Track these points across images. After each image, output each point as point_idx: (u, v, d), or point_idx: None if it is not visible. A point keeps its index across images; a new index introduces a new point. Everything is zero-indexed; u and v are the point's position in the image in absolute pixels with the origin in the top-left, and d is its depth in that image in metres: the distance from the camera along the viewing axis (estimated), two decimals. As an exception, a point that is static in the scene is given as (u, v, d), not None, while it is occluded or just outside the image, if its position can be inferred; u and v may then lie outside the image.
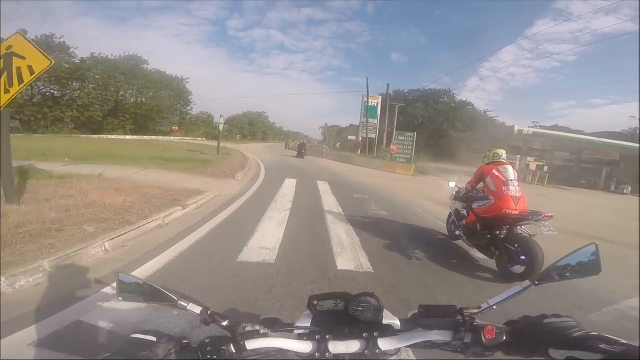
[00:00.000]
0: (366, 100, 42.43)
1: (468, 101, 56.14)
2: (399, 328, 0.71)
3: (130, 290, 0.73)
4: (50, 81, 35.54)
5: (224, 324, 0.69)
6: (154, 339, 0.62)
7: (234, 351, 0.66)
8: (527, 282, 0.70)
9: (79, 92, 37.49)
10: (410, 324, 0.71)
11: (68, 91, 36.89)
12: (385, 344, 0.68)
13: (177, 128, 41.94)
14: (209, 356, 0.65)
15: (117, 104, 41.84)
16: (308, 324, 0.72)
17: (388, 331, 0.70)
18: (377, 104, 43.18)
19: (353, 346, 0.68)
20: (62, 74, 35.16)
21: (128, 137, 36.49)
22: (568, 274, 0.68)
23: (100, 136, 33.17)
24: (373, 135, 42.67)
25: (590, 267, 0.69)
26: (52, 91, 36.70)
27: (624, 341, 0.50)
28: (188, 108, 50.37)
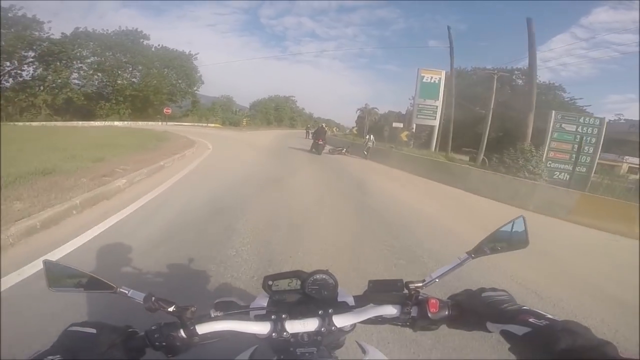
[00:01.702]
0: (422, 75, 31.45)
1: (556, 84, 42.53)
2: (353, 304, 0.74)
3: (61, 278, 0.67)
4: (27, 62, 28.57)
5: (170, 309, 0.66)
6: (93, 330, 0.59)
7: (185, 336, 0.65)
8: (465, 255, 0.72)
9: (52, 73, 29.81)
10: (363, 300, 0.73)
11: (38, 72, 29.42)
12: (339, 321, 0.69)
13: (169, 111, 33.55)
14: (157, 343, 0.63)
15: (112, 85, 34.19)
16: (264, 305, 0.74)
17: (342, 308, 0.72)
18: (439, 80, 31.94)
19: (309, 324, 0.68)
20: (45, 51, 28.14)
21: (117, 123, 28.43)
22: (500, 247, 0.72)
23: (80, 123, 25.42)
24: (432, 122, 31.68)
25: (520, 240, 0.72)
26: (20, 72, 29.53)
27: (549, 315, 0.54)
28: (195, 88, 41.40)
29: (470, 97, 38.28)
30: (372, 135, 17.46)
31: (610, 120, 23.45)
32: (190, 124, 36.21)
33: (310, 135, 33.23)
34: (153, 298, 0.66)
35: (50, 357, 0.53)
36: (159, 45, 39.39)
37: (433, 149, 30.08)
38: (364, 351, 0.87)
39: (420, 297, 0.69)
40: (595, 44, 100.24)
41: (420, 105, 30.96)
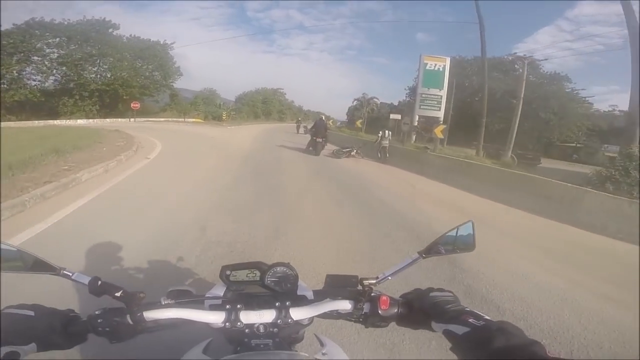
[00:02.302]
0: (426, 62, 28.35)
1: (563, 74, 39.83)
2: (312, 298, 0.74)
3: (3, 260, 0.63)
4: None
5: (117, 294, 0.64)
6: (31, 313, 0.57)
7: (131, 322, 0.63)
8: (415, 255, 0.74)
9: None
10: (322, 294, 0.73)
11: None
12: (296, 313, 0.68)
13: (137, 105, 29.54)
14: (100, 328, 0.61)
15: (75, 80, 30.15)
16: (220, 294, 0.73)
17: (301, 301, 0.72)
18: (444, 68, 28.86)
19: (265, 315, 0.68)
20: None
21: (81, 121, 24.61)
22: (449, 249, 0.75)
23: (37, 122, 21.75)
24: (436, 114, 28.72)
25: (468, 244, 0.75)
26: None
27: (487, 317, 0.56)
28: (171, 80, 37.24)
29: (472, 87, 35.40)
30: (388, 131, 13.24)
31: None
32: (166, 119, 32.55)
33: (302, 129, 28.63)
34: (99, 282, 0.64)
35: None
36: (131, 35, 35.21)
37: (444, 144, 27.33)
38: (321, 344, 0.85)
39: (373, 294, 0.69)
40: (580, 36, 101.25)
41: (423, 95, 28.01)
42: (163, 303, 0.67)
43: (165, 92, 37.92)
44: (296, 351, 0.75)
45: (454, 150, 21.57)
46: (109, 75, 32.91)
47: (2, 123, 18.84)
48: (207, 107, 45.05)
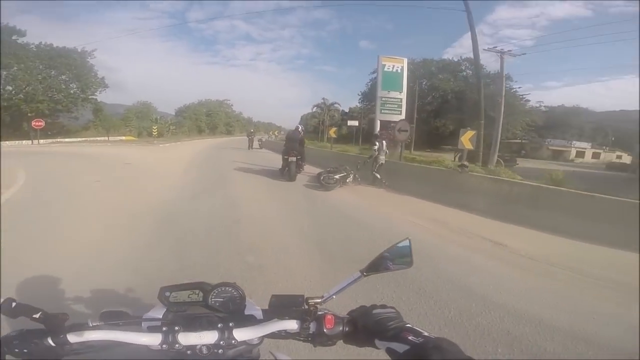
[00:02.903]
0: (384, 63, 27.06)
1: (507, 74, 41.58)
2: (261, 318, 0.72)
3: None
4: None
5: (35, 316, 0.61)
6: None
7: (53, 344, 0.60)
8: (357, 273, 0.74)
9: None
10: (270, 314, 0.71)
11: None
12: (240, 334, 0.67)
13: (41, 123, 23.48)
14: (17, 350, 0.59)
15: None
16: (159, 316, 0.70)
17: (247, 321, 0.70)
18: (402, 69, 27.80)
19: (206, 337, 0.65)
20: None
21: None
22: (389, 266, 0.75)
23: None
24: (397, 117, 27.47)
25: (405, 260, 0.76)
26: None
27: (426, 333, 0.56)
28: (91, 93, 31.38)
29: (422, 89, 35.23)
30: (384, 142, 9.41)
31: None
32: (84, 139, 26.96)
33: (257, 143, 25.66)
34: (14, 304, 0.62)
35: None
36: (41, 43, 28.97)
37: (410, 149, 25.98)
38: None
39: (319, 313, 0.68)
40: (498, 40, 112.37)
41: (383, 99, 26.54)
42: (90, 325, 0.64)
43: (86, 106, 32.03)
44: None
45: (425, 155, 20.06)
46: (10, 89, 26.70)
47: None
48: (141, 122, 39.74)
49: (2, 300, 0.61)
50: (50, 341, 0.60)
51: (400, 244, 0.77)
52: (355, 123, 34.73)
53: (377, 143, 9.32)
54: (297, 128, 10.22)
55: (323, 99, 50.97)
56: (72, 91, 29.83)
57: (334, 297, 0.72)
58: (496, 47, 19.82)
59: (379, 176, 9.05)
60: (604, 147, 45.54)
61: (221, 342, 0.65)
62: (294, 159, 9.12)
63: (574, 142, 43.50)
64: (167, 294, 0.68)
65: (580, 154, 43.37)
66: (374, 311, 0.66)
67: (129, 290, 2.37)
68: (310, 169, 10.36)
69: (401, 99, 26.94)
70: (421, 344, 0.54)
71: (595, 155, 43.23)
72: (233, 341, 0.66)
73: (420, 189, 8.06)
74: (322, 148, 20.35)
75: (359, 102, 49.50)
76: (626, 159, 36.00)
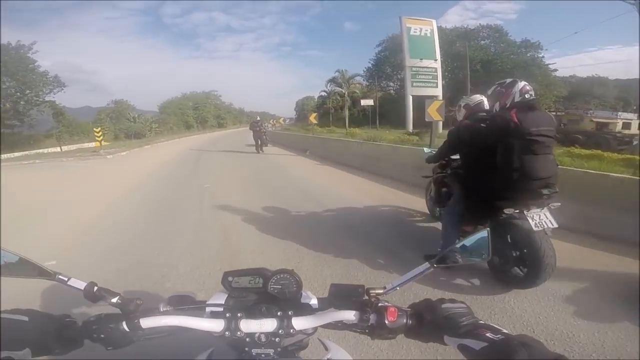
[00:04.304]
0: (409, 26, 21.32)
1: (533, 40, 35.77)
2: (317, 307, 0.71)
3: (1, 263, 0.62)
4: None
5: (113, 300, 0.63)
6: (25, 318, 0.57)
7: (127, 329, 0.62)
8: (426, 264, 0.68)
9: None
10: (326, 304, 0.70)
11: None
12: (298, 323, 0.66)
13: None
14: (95, 335, 0.60)
15: None
16: (222, 302, 0.71)
17: (304, 310, 0.70)
18: (432, 33, 22.17)
19: (266, 325, 0.66)
20: None
21: None
22: (463, 258, 0.70)
23: None
24: (433, 91, 22.01)
25: (482, 252, 0.71)
26: None
27: (505, 331, 0.53)
28: (32, 94, 24.76)
29: (455, 56, 29.54)
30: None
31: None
32: (23, 153, 19.89)
33: (261, 136, 14.09)
34: (95, 287, 0.64)
35: None
36: None
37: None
38: (326, 348, 0.83)
39: (380, 305, 0.66)
40: (482, 14, 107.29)
41: (414, 69, 21.03)
42: (161, 310, 0.66)
43: (40, 111, 25.96)
44: (300, 358, 0.73)
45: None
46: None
47: None
48: (118, 123, 33.93)
49: (85, 284, 0.63)
50: (124, 326, 0.61)
51: (476, 235, 0.69)
52: (370, 102, 29.25)
53: None
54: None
55: (339, 70, 40.71)
56: (11, 92, 23.39)
57: (398, 288, 0.67)
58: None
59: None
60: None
61: (280, 331, 0.65)
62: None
63: (619, 113, 38.49)
64: (230, 278, 0.68)
65: (627, 125, 38.15)
66: (443, 305, 0.62)
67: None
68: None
69: (436, 68, 21.53)
70: (502, 340, 0.51)
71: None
72: (291, 330, 0.65)
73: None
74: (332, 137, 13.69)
75: (364, 80, 43.55)
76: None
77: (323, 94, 47.48)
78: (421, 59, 20.68)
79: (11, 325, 0.55)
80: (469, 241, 0.70)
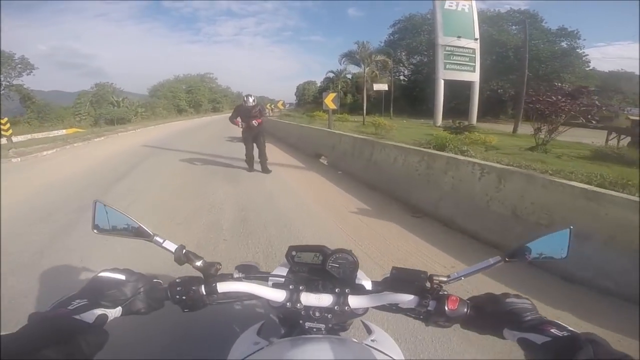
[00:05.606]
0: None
1: (575, 31, 31.83)
2: (370, 289, 0.72)
3: (106, 221, 0.67)
4: None
5: (198, 264, 0.67)
6: (122, 277, 0.59)
7: (204, 292, 0.65)
8: (497, 257, 0.66)
9: None
10: (381, 286, 0.71)
11: None
12: (354, 301, 0.68)
13: None
14: (177, 296, 0.63)
15: None
16: (284, 274, 0.73)
17: (359, 290, 0.71)
18: (471, 9, 18.58)
19: (324, 299, 0.67)
20: None
21: None
22: (539, 255, 0.66)
23: None
24: (469, 76, 18.63)
25: (560, 251, 0.67)
26: None
27: (571, 328, 0.52)
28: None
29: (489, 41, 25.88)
30: None
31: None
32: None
33: (259, 137, 8.20)
34: (184, 250, 0.67)
35: (78, 301, 0.52)
36: None
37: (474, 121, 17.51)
38: (369, 331, 0.83)
39: (441, 293, 0.65)
40: (493, 4, 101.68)
41: (447, 48, 17.56)
42: (235, 276, 0.69)
43: (9, 97, 22.57)
44: (347, 337, 0.74)
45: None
46: None
47: None
48: (100, 108, 30.12)
49: (176, 247, 0.67)
50: (203, 289, 0.64)
51: (557, 232, 0.65)
52: (384, 87, 25.70)
53: None
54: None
55: (357, 43, 29.33)
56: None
57: (462, 278, 0.67)
58: None
59: None
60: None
61: (335, 307, 0.67)
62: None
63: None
64: (294, 253, 0.71)
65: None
66: (507, 300, 0.60)
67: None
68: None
69: (474, 49, 17.93)
70: (567, 337, 0.49)
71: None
72: (346, 307, 0.66)
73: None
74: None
75: (383, 44, 39.75)
76: None
77: (330, 74, 43.34)
78: (459, 37, 17.16)
79: (110, 283, 0.57)
80: (548, 238, 0.65)
